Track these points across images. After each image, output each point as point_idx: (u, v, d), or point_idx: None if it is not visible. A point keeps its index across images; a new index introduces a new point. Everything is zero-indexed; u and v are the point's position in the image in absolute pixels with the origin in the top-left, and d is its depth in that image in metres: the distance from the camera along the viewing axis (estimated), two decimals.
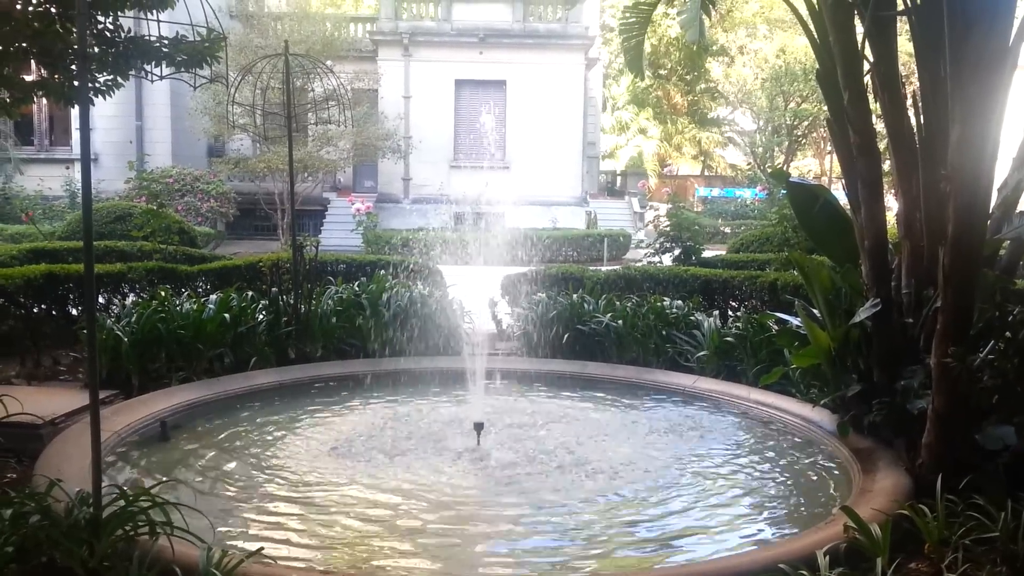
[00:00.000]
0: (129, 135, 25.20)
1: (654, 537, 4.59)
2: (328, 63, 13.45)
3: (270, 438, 6.24)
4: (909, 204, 5.85)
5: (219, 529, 4.46)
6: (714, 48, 41.47)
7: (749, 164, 44.08)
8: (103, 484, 4.11)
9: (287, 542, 4.40)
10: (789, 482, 5.53)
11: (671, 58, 43.29)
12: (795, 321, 6.76)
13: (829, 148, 39.48)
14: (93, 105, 7.05)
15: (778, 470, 5.73)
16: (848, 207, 6.34)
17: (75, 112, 25.32)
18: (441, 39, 28.63)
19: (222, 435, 6.29)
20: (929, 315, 5.60)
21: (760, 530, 4.78)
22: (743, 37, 43.80)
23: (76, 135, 25.43)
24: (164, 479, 5.10)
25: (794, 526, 4.81)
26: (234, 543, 4.24)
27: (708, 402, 7.30)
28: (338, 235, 23.74)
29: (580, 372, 8.17)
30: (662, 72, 43.58)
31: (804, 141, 40.82)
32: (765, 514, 5.04)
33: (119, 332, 7.24)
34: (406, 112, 28.30)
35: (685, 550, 4.46)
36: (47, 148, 26.00)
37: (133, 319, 7.51)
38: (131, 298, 8.07)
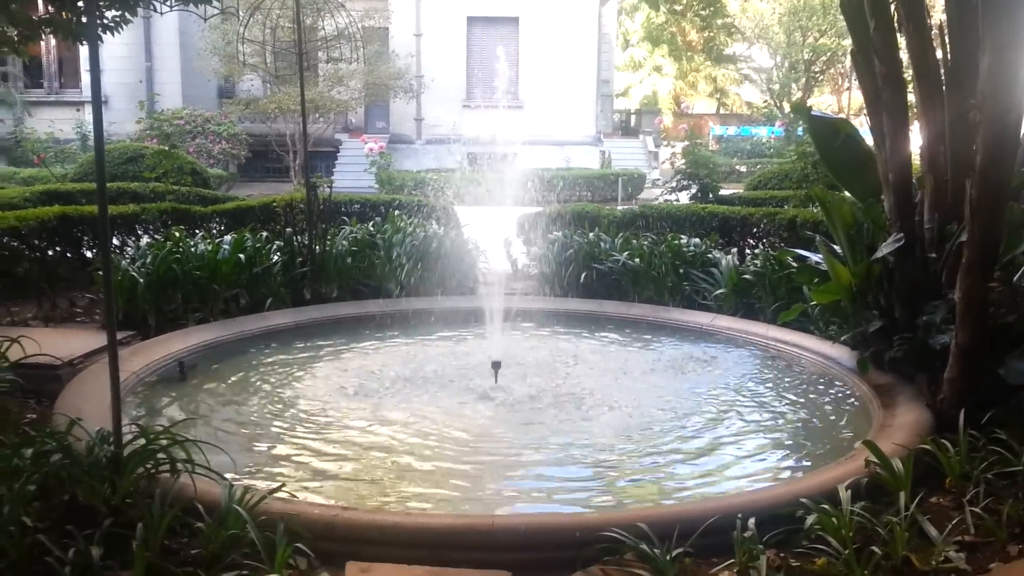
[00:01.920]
0: (139, 76, 25.00)
1: (674, 473, 4.59)
2: (340, 1, 13.23)
3: (288, 377, 6.25)
4: (933, 138, 5.72)
5: (240, 467, 4.49)
6: None
7: (765, 102, 43.44)
8: (123, 423, 4.13)
9: (307, 479, 4.41)
10: (809, 418, 5.50)
11: None
12: (815, 258, 6.68)
13: (847, 85, 38.85)
14: (102, 42, 6.95)
15: (798, 406, 5.71)
16: (871, 143, 6.23)
17: (84, 53, 25.18)
18: None
19: (240, 374, 6.29)
20: (952, 250, 5.51)
21: (780, 465, 4.77)
22: None
23: (86, 77, 25.21)
24: (184, 418, 5.13)
25: (815, 461, 4.78)
26: (254, 481, 4.26)
27: (726, 340, 7.26)
28: (351, 176, 23.61)
29: (597, 311, 8.13)
30: (677, 7, 42.74)
31: (822, 77, 40.18)
32: (785, 449, 5.03)
33: (134, 273, 7.23)
34: (417, 51, 27.92)
35: (705, 485, 4.45)
36: (57, 91, 25.84)
37: (148, 260, 7.49)
38: (144, 240, 8.02)
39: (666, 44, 43.24)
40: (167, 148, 9.87)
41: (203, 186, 12.73)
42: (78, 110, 24.43)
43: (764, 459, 4.84)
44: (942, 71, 5.66)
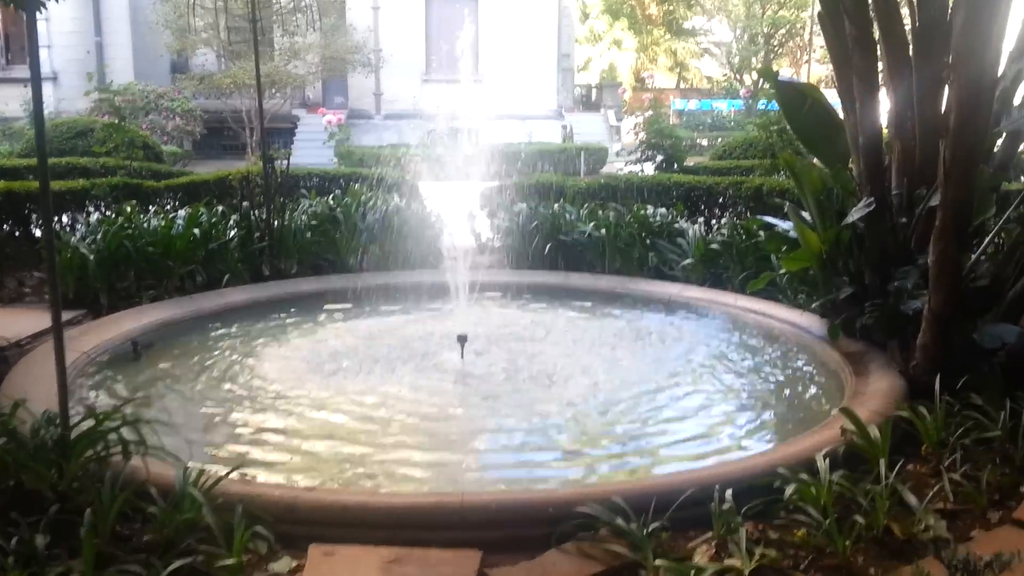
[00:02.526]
0: (89, 51, 24.25)
1: (647, 446, 4.48)
2: None
3: (246, 356, 6.04)
4: (900, 102, 5.64)
5: (196, 448, 4.31)
6: None
7: (725, 75, 43.49)
8: (71, 405, 3.93)
9: (266, 460, 4.23)
10: (782, 386, 5.44)
11: None
12: (783, 225, 6.60)
13: (806, 57, 38.99)
14: (43, 10, 6.65)
15: (769, 375, 5.64)
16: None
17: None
18: None
19: (196, 354, 6.07)
20: (922, 214, 5.45)
21: (755, 435, 4.68)
22: None
23: None
24: (136, 396, 4.92)
25: (790, 430, 4.69)
26: (211, 464, 4.07)
27: (695, 310, 7.18)
28: (310, 152, 23.12)
29: (563, 283, 8.00)
30: None
31: (781, 50, 40.23)
32: (759, 419, 4.95)
33: (84, 250, 6.95)
34: (375, 24, 27.42)
35: (679, 457, 4.35)
36: (4, 67, 25.01)
37: (99, 237, 7.21)
38: (95, 216, 7.72)
39: (625, 17, 43.06)
40: (117, 122, 9.50)
41: (156, 161, 12.33)
42: (26, 86, 23.52)
43: (738, 429, 4.74)
44: (909, 33, 5.58)
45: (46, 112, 16.64)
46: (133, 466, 3.56)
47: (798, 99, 6.41)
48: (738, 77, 39.00)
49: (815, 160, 6.66)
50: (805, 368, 5.71)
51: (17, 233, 8.00)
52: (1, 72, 24.91)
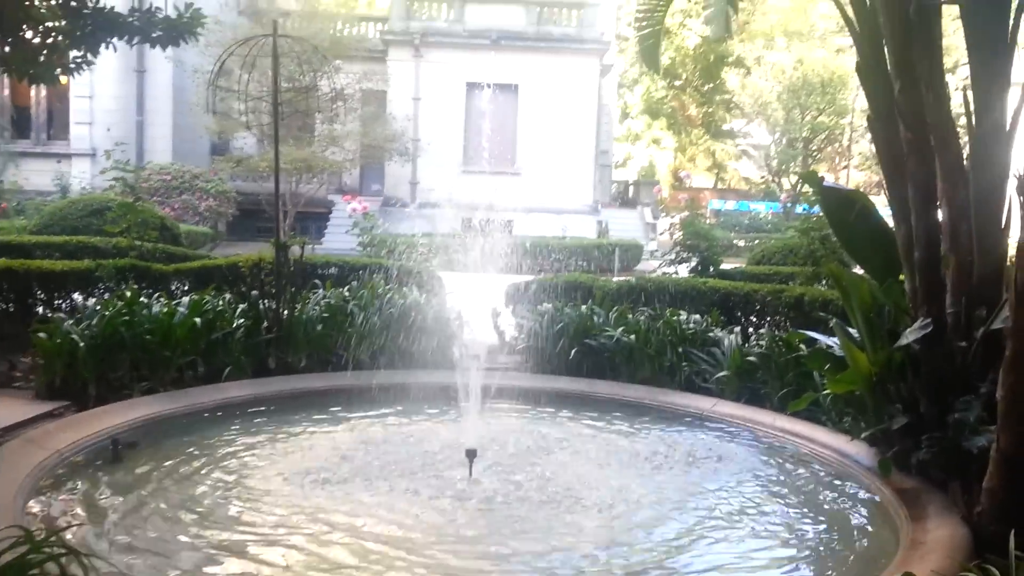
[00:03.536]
0: (130, 131, 24.58)
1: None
2: (337, 62, 12.80)
3: (238, 462, 5.53)
4: (955, 214, 5.14)
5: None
6: (730, 59, 40.82)
7: (763, 177, 43.39)
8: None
9: None
10: (825, 528, 4.77)
11: (687, 68, 42.62)
12: (827, 341, 6.05)
13: (843, 163, 38.84)
14: (57, 84, 6.48)
15: (813, 513, 4.97)
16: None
17: (74, 106, 24.89)
18: (453, 40, 27.94)
19: (184, 456, 5.56)
20: (983, 339, 4.90)
21: None
22: (760, 48, 43.03)
23: (75, 129, 24.88)
24: (97, 512, 4.41)
25: None
26: None
27: (729, 429, 6.56)
28: (342, 239, 23.02)
29: (588, 391, 7.44)
30: (677, 83, 42.95)
31: (819, 155, 40.06)
32: (798, 569, 4.28)
33: (75, 336, 6.55)
34: (415, 114, 27.65)
35: None
36: (44, 142, 25.38)
37: (94, 322, 6.81)
38: (91, 300, 7.36)
39: (665, 117, 43.33)
40: (132, 200, 9.25)
41: (172, 242, 12.07)
42: (59, 162, 23.95)
43: None
44: (968, 138, 5.13)
45: (77, 188, 16.55)
46: None
47: (845, 205, 5.94)
48: (776, 180, 38.78)
49: (863, 272, 6.14)
50: (853, 508, 5.06)
51: (12, 311, 7.63)
52: (40, 147, 25.24)
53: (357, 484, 5.14)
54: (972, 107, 5.07)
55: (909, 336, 4.93)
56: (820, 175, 6.80)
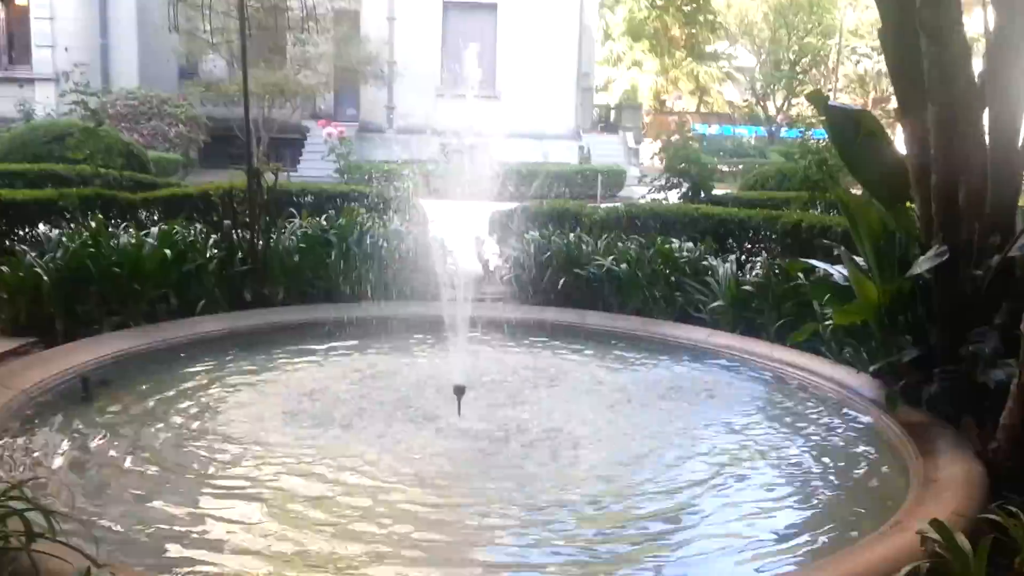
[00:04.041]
0: (95, 54, 23.63)
1: (669, 546, 3.61)
2: None
3: (211, 400, 5.25)
4: (970, 139, 4.86)
5: (133, 527, 3.52)
6: None
7: (747, 101, 42.86)
8: None
9: (220, 545, 3.42)
10: (830, 464, 4.56)
11: None
12: (828, 269, 5.80)
13: (829, 86, 38.28)
14: None
15: (817, 450, 4.77)
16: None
17: (35, 28, 23.87)
18: None
19: (156, 394, 5.27)
20: (997, 267, 4.66)
21: (799, 532, 3.78)
22: None
23: (37, 53, 23.91)
24: (61, 457, 4.13)
25: (841, 528, 3.83)
26: (140, 557, 3.28)
27: (725, 361, 6.34)
28: (318, 166, 22.44)
29: (578, 323, 7.19)
30: (660, 3, 41.89)
31: (805, 78, 39.49)
32: (806, 511, 4.05)
33: (39, 269, 6.18)
34: (390, 36, 26.78)
35: (698, 567, 3.50)
36: (5, 67, 24.40)
37: (59, 254, 6.44)
38: (56, 231, 6.95)
39: (647, 39, 42.40)
40: (94, 125, 8.74)
41: (140, 170, 11.54)
42: (21, 87, 23.02)
43: (781, 526, 3.87)
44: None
45: (42, 114, 15.79)
46: (20, 564, 2.79)
47: (851, 127, 5.60)
48: (761, 103, 38.25)
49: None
50: (859, 443, 4.86)
51: None
52: (1, 72, 24.26)
53: (337, 423, 4.88)
54: (991, 26, 4.75)
55: (923, 264, 4.67)
56: (826, 94, 6.45)
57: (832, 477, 4.43)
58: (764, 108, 39.17)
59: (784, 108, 38.36)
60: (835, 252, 5.63)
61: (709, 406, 5.48)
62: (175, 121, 21.42)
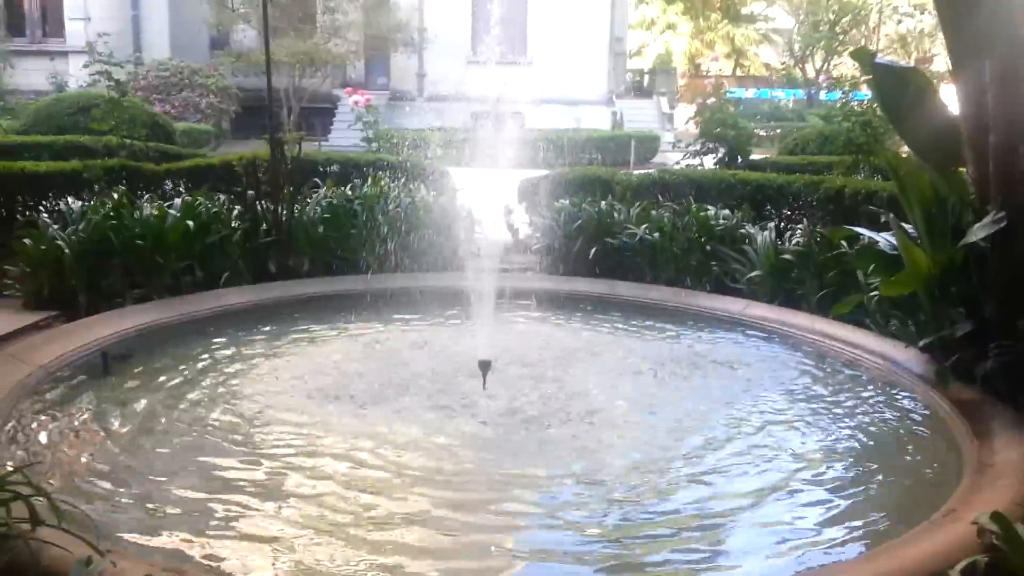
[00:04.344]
0: (126, 26, 23.57)
1: (698, 531, 3.39)
2: None
3: (232, 375, 5.12)
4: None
5: (147, 507, 3.40)
6: None
7: (784, 64, 41.97)
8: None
9: (232, 529, 3.28)
10: (874, 447, 4.30)
11: None
12: (872, 236, 5.51)
13: (871, 47, 37.27)
14: None
15: (860, 427, 4.52)
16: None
17: (68, 2, 23.85)
18: None
19: (178, 370, 5.16)
20: None
21: (844, 520, 3.52)
22: None
23: (70, 26, 23.91)
24: (74, 434, 4.01)
25: (888, 516, 3.60)
26: (150, 540, 3.15)
27: (763, 333, 6.10)
28: (348, 135, 22.24)
29: (608, 294, 6.97)
30: None
31: (844, 38, 38.51)
32: (845, 497, 3.75)
33: (61, 242, 6.08)
34: (420, 2, 26.42)
35: (738, 556, 3.26)
36: (39, 40, 24.43)
37: (81, 227, 6.33)
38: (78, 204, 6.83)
39: (682, 1, 41.55)
40: (117, 95, 8.62)
41: (166, 141, 11.45)
42: (52, 59, 23.02)
43: (823, 513, 3.60)
44: None
45: (74, 87, 15.66)
46: (40, 546, 2.67)
47: (900, 85, 5.30)
48: (799, 66, 37.40)
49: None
50: (907, 422, 4.60)
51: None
52: (35, 45, 24.31)
53: (361, 399, 4.73)
54: None
55: (978, 232, 4.39)
56: (873, 51, 6.10)
57: (878, 460, 4.17)
58: (803, 70, 38.32)
59: (824, 70, 37.49)
60: (882, 219, 5.34)
61: (746, 382, 5.24)
62: (206, 92, 21.34)
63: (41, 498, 2.81)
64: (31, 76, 22.17)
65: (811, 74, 37.91)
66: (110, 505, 3.38)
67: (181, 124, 17.38)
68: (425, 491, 3.64)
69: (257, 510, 3.45)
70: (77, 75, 22.20)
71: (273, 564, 3.04)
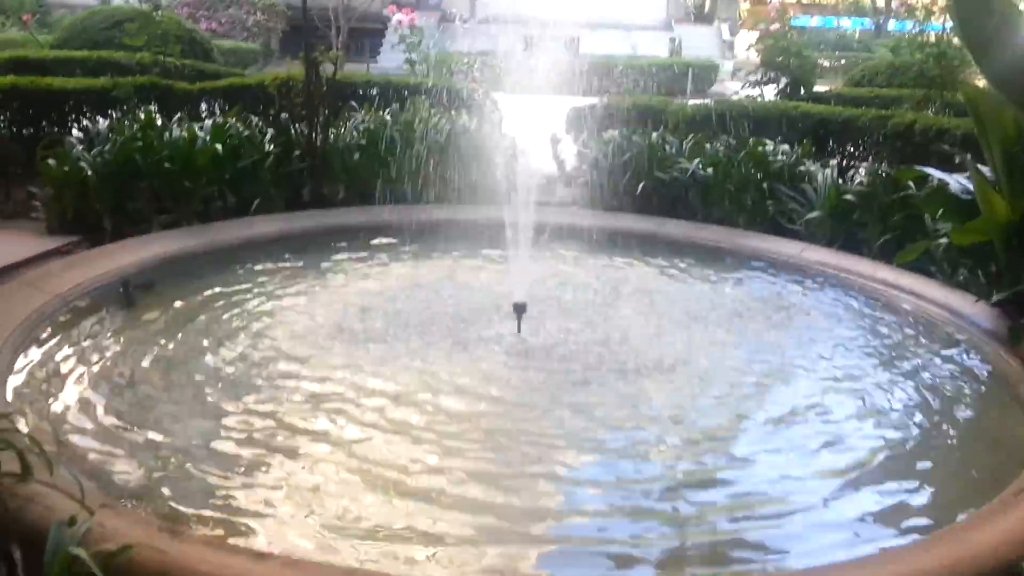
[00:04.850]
0: None
1: (754, 516, 3.04)
2: None
3: (255, 309, 4.90)
4: None
5: (153, 456, 3.19)
6: None
7: None
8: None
9: (237, 492, 3.00)
10: (938, 411, 3.93)
11: None
12: (942, 177, 5.07)
13: None
14: None
15: (921, 390, 4.15)
16: None
17: None
18: None
19: (199, 302, 4.95)
20: None
21: (897, 497, 3.17)
22: None
23: None
24: (78, 373, 3.83)
25: (951, 492, 3.27)
26: (153, 491, 2.95)
27: (821, 279, 5.72)
28: (396, 57, 21.74)
29: (657, 231, 6.60)
30: None
31: None
32: (905, 469, 3.40)
33: (84, 164, 5.87)
34: None
35: (791, 541, 2.93)
36: None
37: (107, 147, 6.11)
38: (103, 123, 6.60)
39: None
40: (150, 9, 8.30)
41: (203, 58, 11.10)
42: None
43: (881, 488, 3.25)
44: None
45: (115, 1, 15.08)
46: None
47: (982, 14, 4.78)
48: None
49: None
50: (976, 384, 4.23)
51: (26, 133, 6.94)
52: None
53: (390, 339, 4.48)
54: None
55: None
56: None
57: (943, 426, 3.82)
58: None
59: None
60: (956, 160, 4.90)
61: (801, 334, 4.89)
62: (253, 9, 20.94)
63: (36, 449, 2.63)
64: None
65: (880, 2, 36.19)
66: (109, 454, 3.17)
67: (227, 42, 17.07)
68: (453, 437, 3.41)
69: (275, 463, 3.21)
70: None
71: (292, 516, 2.83)
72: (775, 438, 3.62)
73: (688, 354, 4.41)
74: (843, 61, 24.18)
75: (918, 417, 3.88)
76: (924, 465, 3.45)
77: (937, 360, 4.49)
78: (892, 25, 31.39)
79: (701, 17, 32.06)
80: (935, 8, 9.29)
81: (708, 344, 4.60)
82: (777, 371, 4.31)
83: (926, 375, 4.30)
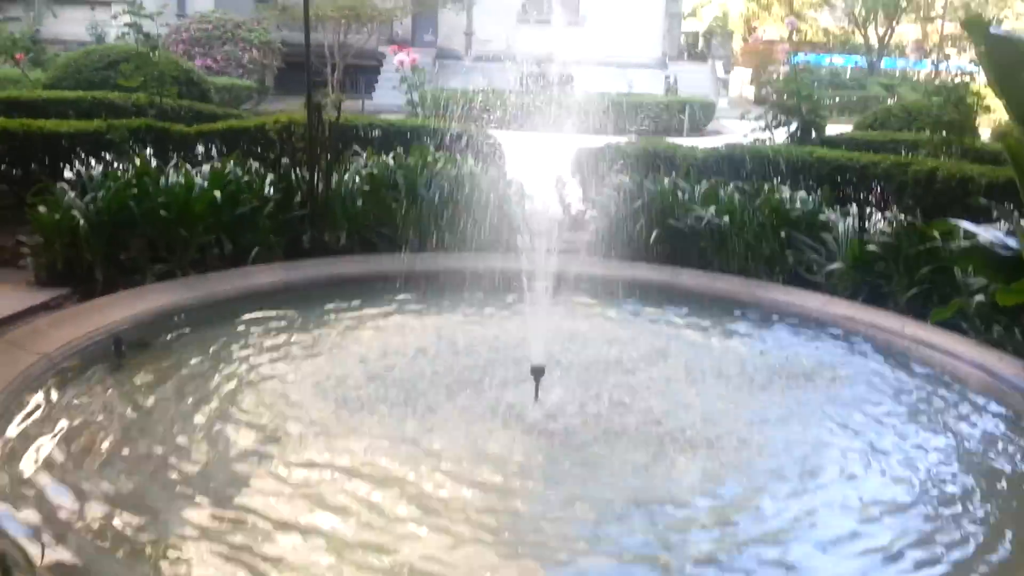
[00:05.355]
0: None
1: None
2: None
3: (256, 368, 4.61)
4: None
5: (140, 539, 2.91)
6: None
7: (843, 28, 40.56)
8: None
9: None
10: (973, 487, 3.67)
11: None
12: (970, 228, 4.85)
13: (933, 12, 35.84)
14: None
15: (955, 460, 3.90)
16: None
17: None
18: None
19: (194, 360, 4.66)
20: None
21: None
22: None
23: None
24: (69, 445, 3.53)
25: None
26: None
27: (846, 336, 5.45)
28: (392, 95, 21.59)
29: (672, 282, 6.35)
30: None
31: (907, 6, 36.91)
32: (964, 549, 3.16)
33: (76, 212, 5.60)
34: None
35: None
36: None
37: (100, 194, 5.85)
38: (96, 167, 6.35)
39: None
40: (146, 50, 8.07)
41: (200, 99, 10.91)
42: (93, 9, 22.54)
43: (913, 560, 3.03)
44: None
45: (114, 38, 14.87)
46: None
47: (1018, 60, 4.58)
48: (861, 31, 35.98)
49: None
50: (1018, 454, 3.97)
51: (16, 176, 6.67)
52: None
53: (393, 404, 4.18)
54: None
55: None
56: (987, 19, 5.35)
57: (980, 503, 3.54)
58: (864, 35, 36.78)
59: (886, 36, 35.92)
60: (994, 214, 4.68)
61: (830, 392, 4.63)
62: (248, 46, 20.80)
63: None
64: (73, 26, 21.75)
65: (873, 40, 36.42)
66: (96, 543, 2.88)
67: (222, 79, 16.90)
68: (472, 524, 3.12)
69: (281, 544, 2.94)
70: (117, 26, 21.84)
71: None
72: (802, 511, 3.36)
73: (712, 423, 4.11)
74: (837, 99, 24.18)
75: (947, 487, 3.63)
76: (964, 534, 3.20)
77: (976, 424, 4.28)
78: (883, 63, 31.66)
79: (695, 55, 32.18)
80: (952, 48, 9.14)
81: (733, 409, 4.31)
82: (805, 434, 4.08)
83: (964, 440, 4.07)
